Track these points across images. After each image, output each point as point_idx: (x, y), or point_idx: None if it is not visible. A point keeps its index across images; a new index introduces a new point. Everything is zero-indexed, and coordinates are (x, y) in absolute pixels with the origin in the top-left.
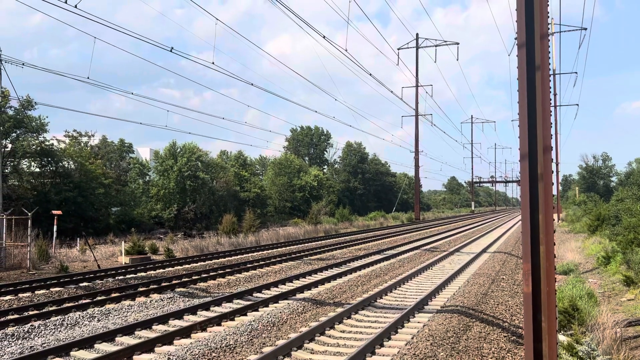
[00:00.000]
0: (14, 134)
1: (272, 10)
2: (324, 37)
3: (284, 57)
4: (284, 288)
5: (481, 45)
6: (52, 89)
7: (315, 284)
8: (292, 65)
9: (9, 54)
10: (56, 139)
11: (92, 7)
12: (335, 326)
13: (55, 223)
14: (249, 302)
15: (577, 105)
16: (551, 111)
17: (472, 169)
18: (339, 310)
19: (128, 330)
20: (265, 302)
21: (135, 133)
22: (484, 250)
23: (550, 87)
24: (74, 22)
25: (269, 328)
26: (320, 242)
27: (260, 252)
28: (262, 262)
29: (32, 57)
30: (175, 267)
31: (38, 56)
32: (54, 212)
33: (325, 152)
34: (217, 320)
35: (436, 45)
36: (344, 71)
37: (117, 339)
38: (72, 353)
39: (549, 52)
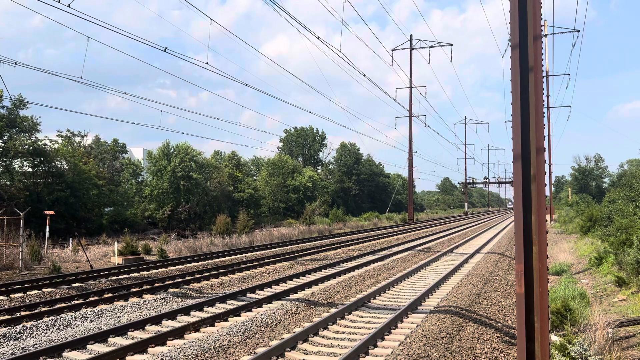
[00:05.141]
0: (6, 134)
1: (270, 11)
2: (318, 37)
3: (281, 58)
4: (277, 289)
5: (477, 47)
6: (46, 88)
7: (309, 285)
8: (289, 66)
9: (4, 53)
10: (48, 139)
11: (89, 7)
12: (329, 327)
13: (47, 223)
14: (242, 303)
15: (570, 106)
16: (544, 112)
17: (465, 170)
18: (333, 310)
19: (121, 331)
20: (259, 303)
21: (130, 133)
22: (477, 251)
23: (543, 89)
24: (70, 23)
25: (263, 329)
26: (314, 242)
27: (254, 253)
28: (256, 263)
29: (27, 57)
30: (169, 268)
31: (33, 56)
32: (47, 212)
33: (319, 153)
34: (211, 321)
35: (430, 47)
36: (340, 72)
37: (109, 339)
38: (64, 354)
39: (542, 54)
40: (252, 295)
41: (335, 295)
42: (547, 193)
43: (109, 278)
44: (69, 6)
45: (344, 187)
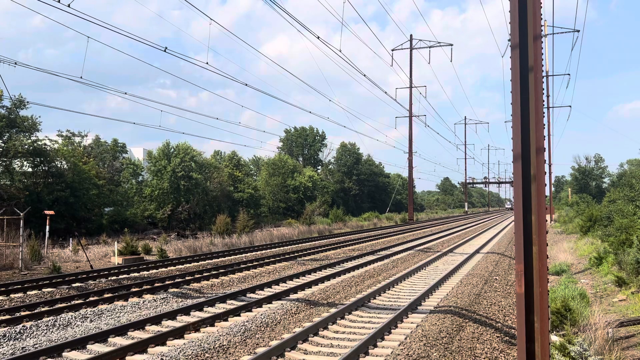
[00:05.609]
0: (6, 134)
1: (270, 11)
2: (318, 37)
3: (281, 58)
4: (277, 289)
5: (477, 47)
6: (46, 88)
7: (309, 285)
8: (289, 66)
9: (4, 53)
10: (48, 139)
11: (89, 7)
12: (329, 327)
13: (47, 223)
14: (242, 303)
15: (570, 106)
16: (544, 112)
17: (465, 170)
18: (333, 310)
19: (121, 330)
20: (259, 303)
21: (130, 133)
22: (477, 251)
23: (543, 89)
24: (71, 23)
25: (263, 329)
26: (314, 242)
27: (254, 253)
28: (256, 263)
29: (28, 57)
30: (169, 268)
31: (33, 56)
32: (47, 212)
33: (319, 153)
34: (211, 321)
35: (430, 47)
36: (340, 72)
37: (109, 339)
38: (64, 354)
39: (542, 54)
40: (252, 295)
41: (335, 295)
42: (547, 193)
43: (109, 278)
44: (68, 6)
45: (344, 187)
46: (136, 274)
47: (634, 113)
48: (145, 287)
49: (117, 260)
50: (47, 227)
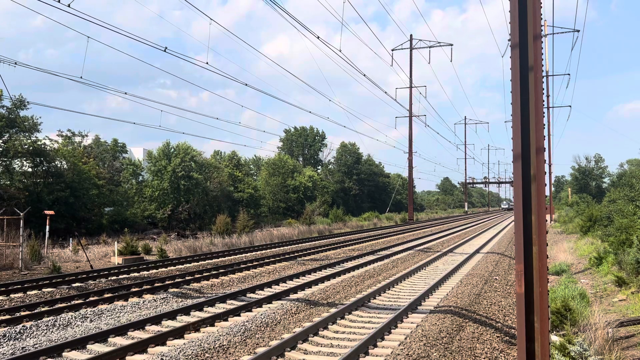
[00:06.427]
0: (6, 134)
1: (271, 12)
2: (318, 37)
3: (281, 58)
4: (277, 289)
5: (477, 47)
6: (46, 88)
7: (309, 285)
8: (289, 66)
9: (4, 53)
10: (49, 139)
11: (89, 7)
12: (329, 327)
13: (47, 223)
14: (242, 303)
15: (570, 106)
16: (544, 112)
17: (465, 169)
18: (333, 310)
19: (121, 330)
20: (259, 303)
21: (130, 133)
22: (477, 251)
23: (543, 88)
24: (71, 23)
25: (263, 329)
26: (314, 242)
27: (254, 253)
28: (256, 263)
29: (28, 58)
30: (169, 268)
31: (33, 56)
32: (47, 212)
33: (319, 153)
34: (211, 321)
35: (430, 47)
36: (340, 72)
37: (109, 339)
38: (64, 354)
39: (542, 54)
40: (252, 295)
41: (335, 295)
42: (547, 193)
43: (109, 278)
44: (68, 6)
45: (344, 187)
46: (136, 274)
47: (634, 113)
48: (145, 287)
49: (117, 260)
50: (47, 227)
